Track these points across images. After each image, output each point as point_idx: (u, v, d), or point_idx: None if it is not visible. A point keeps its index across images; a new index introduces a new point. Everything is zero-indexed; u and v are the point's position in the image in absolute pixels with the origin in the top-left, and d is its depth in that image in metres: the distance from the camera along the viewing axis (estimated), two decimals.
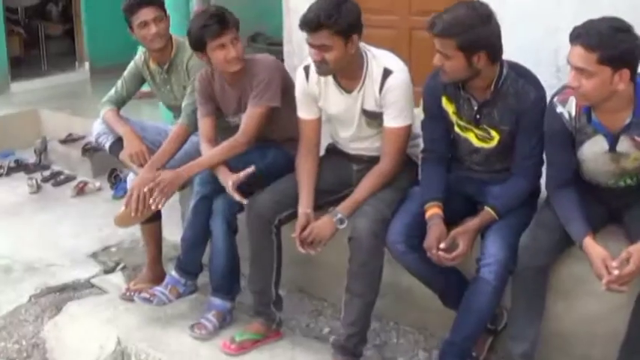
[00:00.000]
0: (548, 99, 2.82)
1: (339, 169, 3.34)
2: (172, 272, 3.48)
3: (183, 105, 3.63)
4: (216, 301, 3.39)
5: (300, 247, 3.06)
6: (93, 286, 3.95)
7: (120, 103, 3.86)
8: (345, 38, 2.94)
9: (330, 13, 2.90)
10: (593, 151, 2.74)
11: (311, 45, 2.99)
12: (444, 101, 2.99)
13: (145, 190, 3.32)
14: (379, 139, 3.21)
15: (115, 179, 5.13)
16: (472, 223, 2.87)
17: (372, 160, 3.25)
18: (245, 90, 3.39)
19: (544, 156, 2.90)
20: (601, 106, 2.62)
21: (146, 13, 3.56)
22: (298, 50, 4.83)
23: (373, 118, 3.15)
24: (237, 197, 3.18)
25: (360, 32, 3.00)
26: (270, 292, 3.27)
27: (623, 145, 2.67)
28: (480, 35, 2.72)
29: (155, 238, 3.81)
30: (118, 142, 3.74)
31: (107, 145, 3.80)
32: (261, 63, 3.38)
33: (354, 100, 3.14)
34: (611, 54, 2.46)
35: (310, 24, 2.92)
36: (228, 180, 3.22)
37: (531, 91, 2.83)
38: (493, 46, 2.76)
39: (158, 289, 3.44)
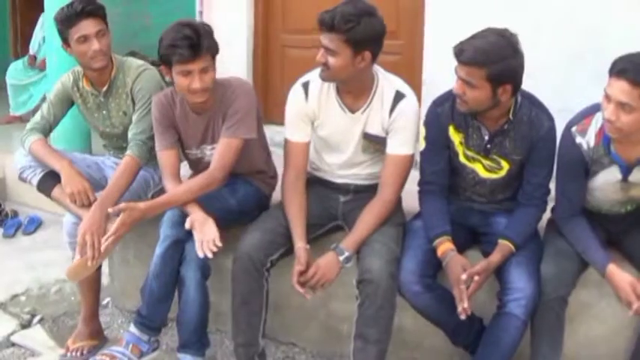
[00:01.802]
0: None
1: (323, 201, 3.09)
2: (132, 328, 3.02)
3: (131, 134, 3.16)
4: (187, 358, 2.99)
5: (299, 288, 2.77)
6: (14, 345, 3.34)
7: (47, 130, 3.29)
8: (355, 50, 2.73)
9: (349, 19, 2.68)
10: (605, 180, 2.74)
11: (321, 44, 2.78)
12: (451, 130, 2.86)
13: (111, 234, 2.87)
14: (370, 165, 3.03)
15: (2, 215, 4.41)
16: (493, 258, 2.75)
17: (359, 190, 3.07)
18: (215, 119, 3.01)
19: (551, 185, 2.86)
20: (624, 139, 2.62)
21: (87, 26, 3.05)
22: None
23: (373, 143, 2.95)
24: (199, 250, 2.79)
25: (376, 51, 2.79)
26: (258, 343, 2.94)
27: (636, 175, 2.70)
28: (510, 67, 2.61)
29: (94, 289, 3.31)
30: (49, 177, 3.19)
31: (35, 181, 3.21)
32: (237, 89, 3.00)
33: (356, 122, 2.92)
34: None
35: (325, 23, 2.72)
36: (206, 224, 2.83)
37: (545, 120, 2.78)
38: (519, 79, 2.67)
39: (116, 349, 2.97)
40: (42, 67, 6.04)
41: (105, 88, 3.20)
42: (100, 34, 3.07)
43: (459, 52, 2.62)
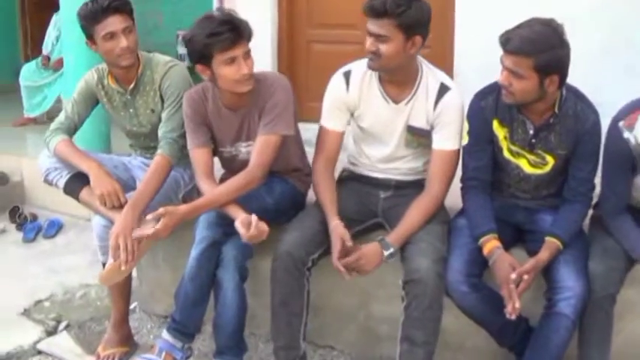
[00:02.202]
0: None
1: (362, 197, 3.00)
2: (165, 335, 2.91)
3: (161, 132, 3.05)
4: None
5: (341, 267, 2.66)
6: (40, 352, 3.23)
7: (72, 130, 3.18)
8: (407, 35, 2.66)
9: (400, 3, 2.61)
10: None
11: (369, 33, 2.70)
12: (495, 125, 2.76)
13: (136, 236, 2.78)
14: (412, 160, 2.95)
15: (21, 219, 4.30)
16: (542, 256, 2.65)
17: (400, 186, 2.98)
18: (250, 115, 2.91)
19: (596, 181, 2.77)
20: None
21: (114, 23, 2.93)
22: None
23: (417, 136, 2.86)
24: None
25: (425, 36, 2.71)
26: (299, 346, 2.84)
27: None
28: (557, 57, 2.53)
29: (125, 294, 3.19)
30: (76, 179, 3.08)
31: (61, 184, 3.10)
32: (275, 82, 2.89)
33: (399, 113, 2.83)
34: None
35: (375, 9, 2.65)
36: (247, 222, 2.70)
37: (590, 114, 2.69)
38: (565, 70, 2.58)
39: (149, 357, 2.86)
40: (56, 68, 5.96)
41: (132, 86, 3.09)
42: (127, 30, 2.96)
43: (506, 41, 2.53)
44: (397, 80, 2.80)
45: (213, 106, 2.93)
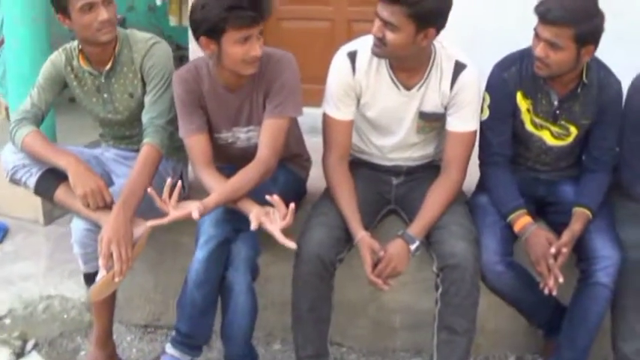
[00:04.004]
0: None
1: (375, 185, 2.78)
2: (170, 349, 2.61)
3: (146, 119, 2.69)
4: None
5: (378, 280, 2.48)
6: None
7: (39, 120, 2.77)
8: (418, 26, 2.39)
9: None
10: None
11: (378, 15, 2.43)
12: (519, 97, 2.63)
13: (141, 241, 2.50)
14: (424, 146, 2.75)
15: None
16: (576, 228, 2.57)
17: (411, 172, 2.79)
18: (252, 96, 2.61)
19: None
20: None
21: None
22: None
23: (430, 121, 2.65)
24: (287, 242, 2.40)
25: (441, 28, 2.46)
26: (327, 352, 2.63)
27: None
28: (596, 26, 2.45)
29: (110, 306, 2.83)
30: (49, 177, 2.68)
31: (32, 183, 2.69)
32: (281, 59, 2.59)
33: (411, 99, 2.60)
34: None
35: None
36: (266, 216, 2.43)
37: (613, 82, 2.63)
38: (599, 40, 2.48)
39: None
40: None
41: (108, 67, 2.71)
42: (107, 1, 2.58)
43: (546, 11, 2.41)
44: (408, 66, 2.56)
45: (209, 86, 2.61)
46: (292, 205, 2.40)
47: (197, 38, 2.47)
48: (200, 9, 2.40)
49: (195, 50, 3.95)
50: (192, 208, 2.40)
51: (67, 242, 2.79)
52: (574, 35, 2.39)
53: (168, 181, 2.47)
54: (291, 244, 2.41)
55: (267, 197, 2.42)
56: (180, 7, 5.13)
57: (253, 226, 2.39)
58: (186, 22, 5.07)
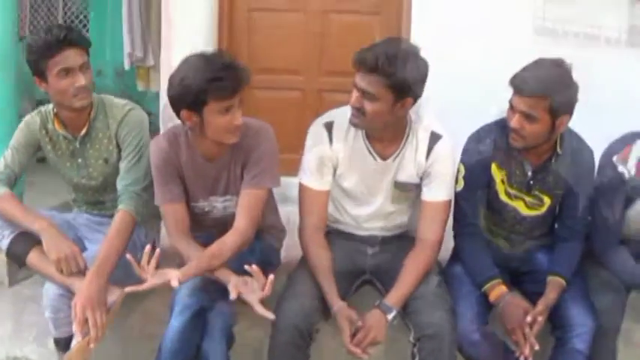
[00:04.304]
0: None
1: (351, 254, 2.77)
2: None
3: (121, 186, 2.69)
4: None
5: (356, 350, 2.45)
6: None
7: (12, 182, 2.74)
8: (396, 96, 2.44)
9: (393, 60, 2.38)
10: None
11: (355, 86, 2.45)
12: (494, 168, 2.68)
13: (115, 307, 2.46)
14: (399, 215, 2.76)
15: None
16: (551, 297, 2.61)
17: (386, 242, 2.79)
18: (230, 166, 2.62)
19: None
20: None
21: (71, 57, 2.57)
22: None
23: (405, 190, 2.68)
24: (266, 313, 2.39)
25: (418, 97, 2.51)
26: None
27: None
28: (571, 97, 2.52)
29: None
30: (21, 240, 2.65)
31: (4, 245, 2.66)
32: (260, 130, 2.61)
33: (387, 169, 2.64)
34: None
35: (365, 63, 2.41)
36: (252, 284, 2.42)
37: (586, 152, 2.70)
38: (573, 110, 2.56)
39: None
40: None
41: (83, 132, 2.70)
42: (84, 67, 2.59)
43: (521, 83, 2.48)
44: (384, 136, 2.59)
45: (187, 155, 2.61)
46: (271, 277, 2.39)
47: (177, 111, 2.47)
48: (179, 82, 2.41)
49: (166, 117, 4.00)
50: (171, 276, 2.37)
51: (32, 304, 2.75)
52: (549, 106, 2.46)
53: (147, 247, 2.44)
54: (270, 315, 2.40)
55: (247, 267, 2.40)
56: (148, 72, 5.19)
57: (232, 296, 2.36)
58: (154, 87, 5.15)
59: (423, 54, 2.49)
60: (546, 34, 3.85)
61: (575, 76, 2.55)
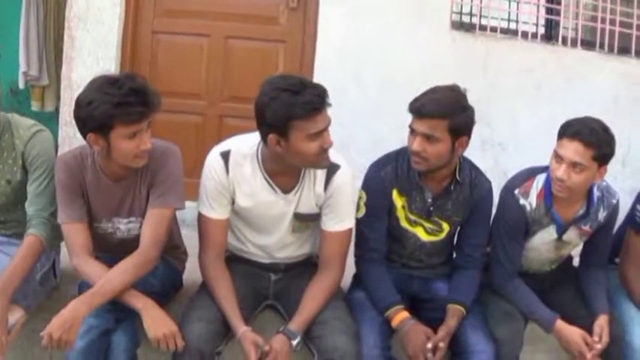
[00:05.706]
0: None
1: (252, 281, 2.78)
2: None
3: (31, 211, 2.62)
4: None
5: None
6: None
7: None
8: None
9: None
10: (542, 240, 2.84)
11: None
12: (395, 194, 2.76)
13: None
14: (301, 245, 2.80)
15: None
16: (451, 324, 2.68)
17: (290, 268, 2.83)
18: (135, 186, 2.60)
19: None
20: (562, 199, 2.72)
21: None
22: None
23: (306, 221, 2.71)
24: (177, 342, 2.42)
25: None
26: None
27: (570, 234, 2.82)
28: (468, 118, 2.66)
29: None
30: None
31: None
32: (166, 153, 2.60)
33: (288, 203, 2.65)
34: (603, 152, 2.60)
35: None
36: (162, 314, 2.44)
37: (484, 182, 2.82)
38: (471, 132, 2.69)
39: None
40: None
41: None
42: None
43: (420, 106, 2.59)
44: (283, 171, 2.61)
45: (92, 175, 2.57)
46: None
47: (84, 134, 2.44)
48: (86, 105, 2.38)
49: (65, 136, 3.92)
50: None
51: None
52: (449, 126, 2.57)
53: None
54: (164, 346, 2.42)
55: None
56: (43, 92, 5.04)
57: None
58: (48, 108, 5.01)
59: (324, 84, 2.54)
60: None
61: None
